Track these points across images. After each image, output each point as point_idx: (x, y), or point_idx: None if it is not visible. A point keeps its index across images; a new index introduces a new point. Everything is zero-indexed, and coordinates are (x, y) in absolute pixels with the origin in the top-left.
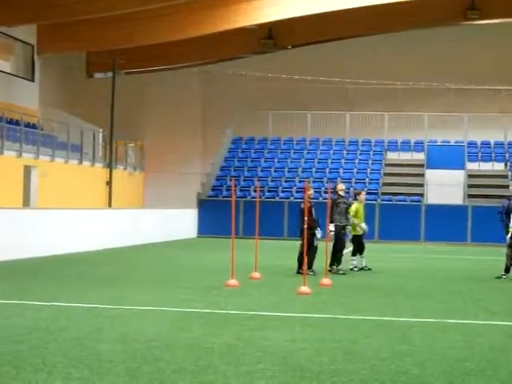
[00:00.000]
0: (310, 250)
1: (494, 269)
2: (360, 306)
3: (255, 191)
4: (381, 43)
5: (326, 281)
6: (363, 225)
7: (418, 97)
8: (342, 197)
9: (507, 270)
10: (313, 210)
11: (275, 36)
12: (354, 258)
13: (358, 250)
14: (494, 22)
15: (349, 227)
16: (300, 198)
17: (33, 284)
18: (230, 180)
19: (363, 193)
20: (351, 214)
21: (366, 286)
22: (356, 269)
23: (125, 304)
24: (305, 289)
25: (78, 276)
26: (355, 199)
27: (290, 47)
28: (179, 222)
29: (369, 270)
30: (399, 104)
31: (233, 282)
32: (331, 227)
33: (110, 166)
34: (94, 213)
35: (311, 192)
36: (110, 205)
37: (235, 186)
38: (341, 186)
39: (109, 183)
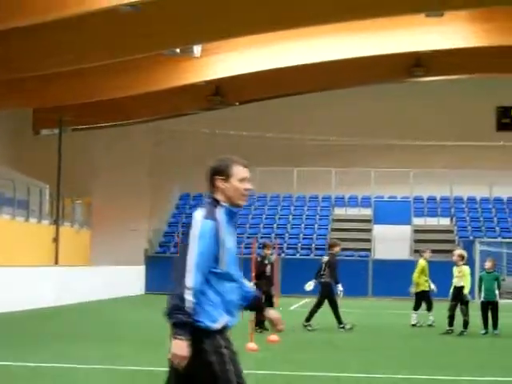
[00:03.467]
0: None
1: (442, 324)
2: (308, 362)
3: None
4: (327, 99)
5: (273, 337)
6: (432, 285)
7: (364, 153)
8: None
9: (466, 326)
10: (267, 267)
11: (222, 93)
12: (430, 313)
13: (429, 305)
14: (439, 79)
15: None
16: (248, 253)
17: None
18: (177, 236)
19: (428, 251)
20: (417, 269)
21: (314, 342)
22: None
23: (70, 362)
24: (252, 345)
25: (23, 334)
26: (421, 256)
27: (237, 104)
28: (126, 279)
29: (431, 326)
30: (346, 160)
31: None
32: (340, 287)
33: (56, 222)
34: (40, 270)
35: (270, 251)
36: (56, 262)
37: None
38: (338, 248)
39: (56, 240)
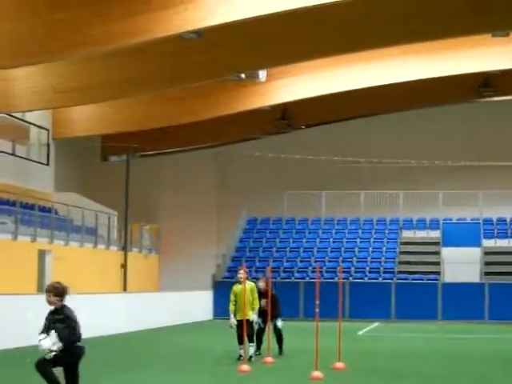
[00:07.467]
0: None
1: None
2: None
3: (270, 272)
4: (394, 121)
5: (340, 364)
6: None
7: (432, 174)
8: None
9: None
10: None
11: (289, 116)
12: None
13: None
14: (508, 99)
15: None
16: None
17: None
18: (245, 261)
19: None
20: None
21: (378, 369)
22: None
23: None
24: (317, 374)
25: (92, 362)
26: None
27: (303, 127)
28: (195, 305)
29: None
30: (413, 182)
31: (245, 367)
32: None
33: (124, 248)
34: (109, 297)
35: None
36: (125, 288)
37: (248, 268)
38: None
39: (124, 266)
